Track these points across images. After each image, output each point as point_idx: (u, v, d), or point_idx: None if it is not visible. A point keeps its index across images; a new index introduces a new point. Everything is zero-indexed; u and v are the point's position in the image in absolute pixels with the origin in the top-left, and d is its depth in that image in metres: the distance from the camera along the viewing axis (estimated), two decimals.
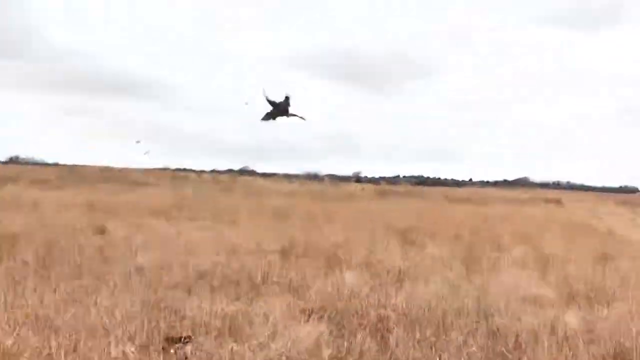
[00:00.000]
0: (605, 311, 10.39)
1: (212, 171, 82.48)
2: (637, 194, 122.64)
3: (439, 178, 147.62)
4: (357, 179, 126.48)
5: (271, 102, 7.90)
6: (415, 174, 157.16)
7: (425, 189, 71.07)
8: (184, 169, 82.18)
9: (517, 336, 8.44)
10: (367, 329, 8.35)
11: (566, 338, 8.30)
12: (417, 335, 7.78)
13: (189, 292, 10.77)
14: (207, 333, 7.74)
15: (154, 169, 67.65)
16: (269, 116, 7.76)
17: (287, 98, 8.10)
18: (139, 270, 12.41)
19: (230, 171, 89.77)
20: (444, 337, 7.87)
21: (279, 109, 7.86)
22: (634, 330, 8.63)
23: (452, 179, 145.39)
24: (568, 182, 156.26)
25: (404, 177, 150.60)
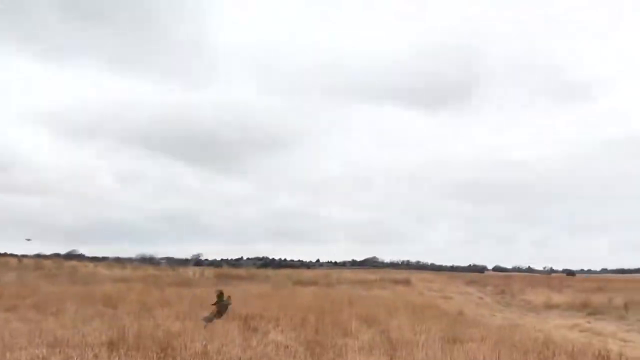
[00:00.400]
0: None
1: (36, 255, 79.11)
2: (486, 273, 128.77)
3: (285, 259, 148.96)
4: (197, 261, 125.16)
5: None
6: (260, 255, 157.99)
7: (271, 271, 71.01)
8: (4, 254, 78.31)
9: None
10: None
11: None
12: None
13: None
14: None
15: None
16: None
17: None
18: None
19: (56, 255, 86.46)
20: None
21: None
22: None
23: (298, 260, 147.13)
24: (418, 262, 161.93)
25: (248, 258, 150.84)
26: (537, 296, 45.11)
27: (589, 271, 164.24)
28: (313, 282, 51.61)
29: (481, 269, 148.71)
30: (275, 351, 14.72)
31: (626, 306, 36.83)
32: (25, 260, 63.48)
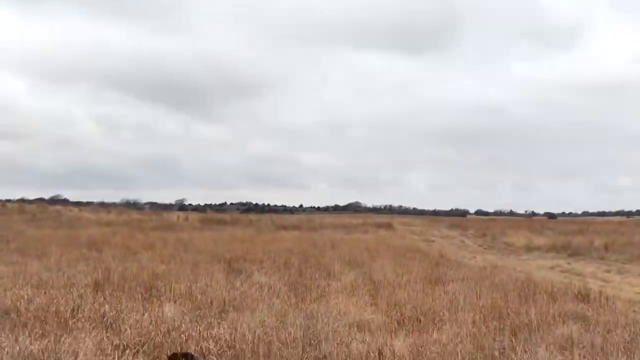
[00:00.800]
0: (435, 335, 10.86)
1: (20, 200, 78.85)
2: (467, 217, 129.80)
3: (269, 204, 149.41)
4: (181, 207, 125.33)
5: None
6: (244, 200, 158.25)
7: (254, 216, 71.25)
8: None
9: None
10: None
11: None
12: None
13: None
14: None
15: None
16: None
17: None
18: None
19: (40, 200, 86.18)
20: None
21: None
22: (459, 353, 9.08)
23: (282, 205, 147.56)
24: (400, 206, 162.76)
25: (231, 203, 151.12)
26: (519, 238, 45.54)
27: (570, 214, 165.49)
28: (296, 227, 51.91)
29: (463, 213, 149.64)
30: (259, 292, 14.88)
31: (606, 247, 37.33)
32: (9, 205, 63.33)
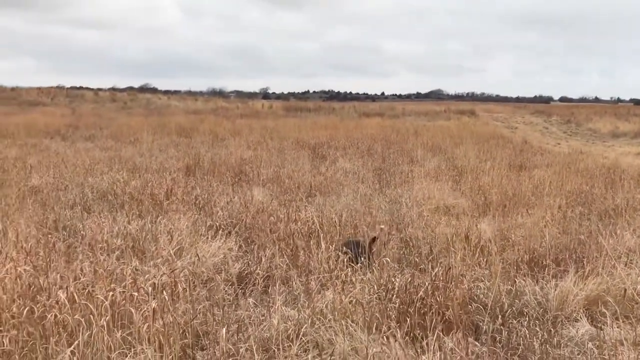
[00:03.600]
0: (520, 219, 10.79)
1: (111, 89, 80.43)
2: (551, 103, 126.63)
3: (350, 92, 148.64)
4: (265, 95, 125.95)
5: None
6: (326, 88, 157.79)
7: (336, 104, 71.02)
8: (80, 87, 79.84)
9: (430, 246, 8.67)
10: (277, 244, 8.39)
11: (480, 246, 8.55)
12: (330, 249, 7.82)
13: (89, 211, 10.60)
14: (108, 252, 7.62)
15: (48, 88, 65.60)
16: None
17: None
18: (34, 191, 12.14)
19: (130, 89, 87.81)
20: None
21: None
22: (547, 236, 9.01)
23: (364, 93, 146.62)
24: (482, 93, 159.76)
25: (314, 92, 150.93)
26: (604, 125, 44.28)
27: None
28: (378, 114, 51.60)
29: (547, 100, 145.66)
30: (344, 177, 14.98)
31: None
32: (100, 94, 64.70)
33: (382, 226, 8.84)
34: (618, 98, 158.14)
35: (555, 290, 6.87)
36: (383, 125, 35.46)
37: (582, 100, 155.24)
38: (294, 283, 7.24)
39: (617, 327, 6.05)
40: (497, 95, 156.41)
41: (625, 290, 6.75)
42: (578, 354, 5.70)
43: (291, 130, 29.84)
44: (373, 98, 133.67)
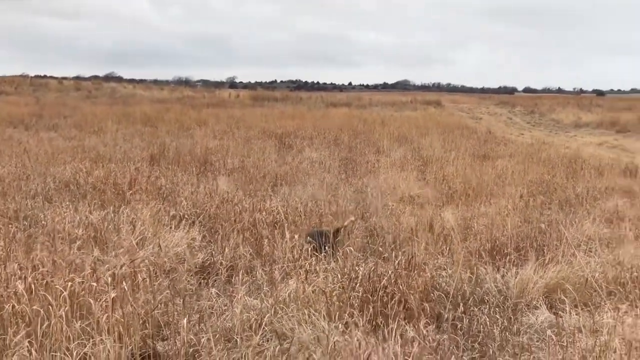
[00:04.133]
0: (483, 208, 10.86)
1: (75, 77, 79.48)
2: (516, 94, 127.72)
3: (318, 82, 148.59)
4: (232, 84, 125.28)
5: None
6: (293, 78, 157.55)
7: (304, 94, 70.87)
8: (44, 76, 78.73)
9: (394, 235, 8.69)
10: (241, 234, 8.34)
11: (443, 235, 8.59)
12: (295, 238, 7.79)
13: (50, 201, 10.45)
14: (69, 242, 7.50)
15: (12, 77, 64.69)
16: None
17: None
18: None
19: (95, 78, 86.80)
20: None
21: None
22: (508, 224, 9.07)
23: (331, 83, 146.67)
24: (448, 84, 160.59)
25: (281, 81, 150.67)
26: (567, 115, 44.70)
27: (619, 91, 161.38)
28: (345, 104, 51.58)
29: (511, 91, 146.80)
30: (311, 166, 14.95)
31: None
32: (65, 83, 63.87)
33: (352, 218, 8.82)
34: (581, 89, 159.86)
35: (516, 278, 6.94)
36: (350, 115, 35.42)
37: (546, 91, 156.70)
38: (257, 273, 7.21)
39: (576, 314, 6.12)
40: (462, 86, 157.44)
41: (585, 278, 6.83)
42: (537, 341, 5.75)
43: (258, 119, 29.71)
44: (340, 88, 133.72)
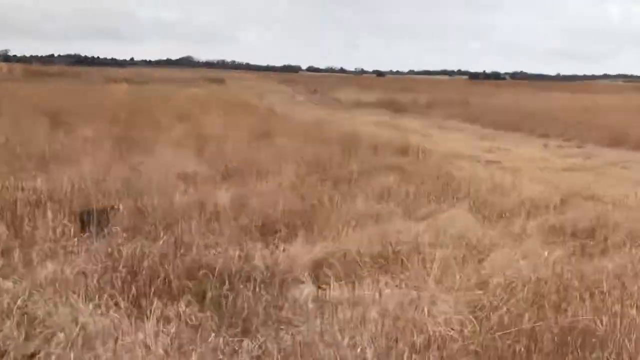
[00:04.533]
0: (259, 185, 10.98)
1: None
2: (299, 73, 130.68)
3: (99, 57, 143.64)
4: (5, 57, 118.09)
5: None
6: (73, 52, 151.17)
7: (83, 69, 68.24)
8: None
9: (165, 214, 8.56)
10: None
11: (216, 213, 8.60)
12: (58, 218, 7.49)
13: None
14: None
15: None
16: None
17: None
18: None
19: None
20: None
21: None
22: (281, 201, 9.24)
23: (112, 59, 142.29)
24: (233, 61, 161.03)
25: (59, 56, 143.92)
26: (348, 95, 46.32)
27: (397, 72, 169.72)
28: (126, 80, 50.29)
29: (295, 69, 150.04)
30: (83, 145, 14.41)
31: (429, 105, 38.93)
32: None
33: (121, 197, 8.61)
34: (362, 69, 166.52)
35: (284, 253, 7.08)
36: (131, 92, 34.59)
37: (329, 70, 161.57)
38: (14, 254, 6.83)
39: (339, 288, 6.34)
40: (247, 64, 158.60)
41: (351, 253, 7.12)
42: (300, 315, 5.90)
43: (31, 96, 28.19)
44: (122, 64, 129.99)
